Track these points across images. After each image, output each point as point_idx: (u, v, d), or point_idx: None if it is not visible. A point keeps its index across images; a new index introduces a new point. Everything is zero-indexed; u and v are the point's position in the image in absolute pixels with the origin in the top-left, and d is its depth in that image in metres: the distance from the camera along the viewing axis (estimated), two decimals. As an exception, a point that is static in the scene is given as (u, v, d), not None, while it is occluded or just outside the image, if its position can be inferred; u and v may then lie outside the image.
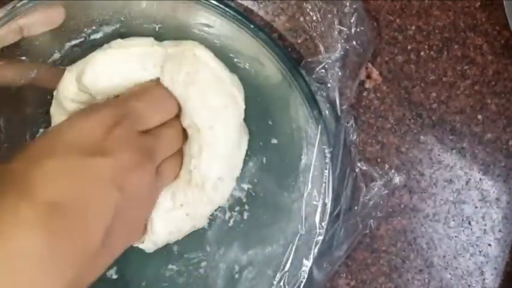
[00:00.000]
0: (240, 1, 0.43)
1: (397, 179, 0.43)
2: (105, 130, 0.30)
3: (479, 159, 0.44)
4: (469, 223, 0.44)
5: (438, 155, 0.44)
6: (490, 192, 0.44)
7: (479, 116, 0.44)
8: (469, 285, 0.44)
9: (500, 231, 0.44)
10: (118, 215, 0.29)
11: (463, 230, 0.44)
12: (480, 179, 0.44)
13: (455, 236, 0.44)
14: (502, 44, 0.44)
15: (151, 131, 0.34)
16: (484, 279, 0.44)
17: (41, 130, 0.41)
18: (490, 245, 0.44)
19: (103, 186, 0.29)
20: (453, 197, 0.44)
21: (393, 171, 0.43)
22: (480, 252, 0.44)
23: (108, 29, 0.39)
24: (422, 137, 0.44)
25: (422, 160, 0.44)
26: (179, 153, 0.38)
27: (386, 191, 0.42)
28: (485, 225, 0.44)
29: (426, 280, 0.44)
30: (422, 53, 0.44)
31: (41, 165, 0.28)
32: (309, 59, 0.41)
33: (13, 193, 0.27)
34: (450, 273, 0.44)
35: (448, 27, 0.44)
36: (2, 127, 0.38)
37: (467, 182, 0.44)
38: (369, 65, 0.44)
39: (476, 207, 0.44)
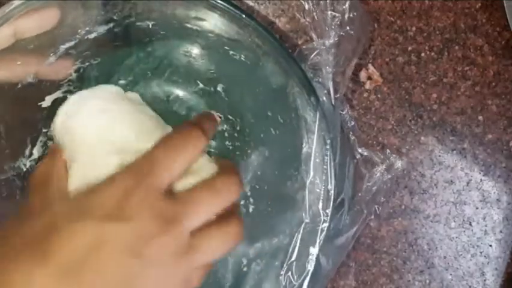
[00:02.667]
0: (243, 1, 0.43)
1: (399, 163, 0.43)
2: (125, 193, 0.28)
3: (479, 160, 0.44)
4: (470, 224, 0.44)
5: (439, 155, 0.44)
6: (491, 193, 0.44)
7: (480, 117, 0.44)
8: (469, 286, 0.44)
9: (501, 232, 0.44)
10: (136, 285, 0.28)
11: (464, 231, 0.44)
12: (481, 179, 0.44)
13: (456, 237, 0.44)
14: (502, 45, 0.44)
15: (181, 192, 0.31)
16: (484, 280, 0.44)
17: (41, 137, 0.40)
18: (490, 245, 0.44)
19: (118, 252, 0.28)
20: (454, 198, 0.44)
21: (394, 155, 0.43)
22: (481, 253, 0.44)
23: (101, 29, 0.39)
24: (422, 138, 0.44)
25: (423, 161, 0.44)
26: (228, 220, 0.32)
27: (389, 176, 0.42)
28: (485, 226, 0.44)
29: (427, 281, 0.44)
30: (422, 54, 0.44)
31: (58, 230, 0.28)
32: (304, 46, 0.41)
33: (29, 258, 0.27)
34: (451, 274, 0.44)
35: (449, 28, 0.44)
36: (3, 133, 0.38)
37: (467, 183, 0.44)
38: (370, 66, 0.44)
39: (476, 208, 0.44)
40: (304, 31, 0.43)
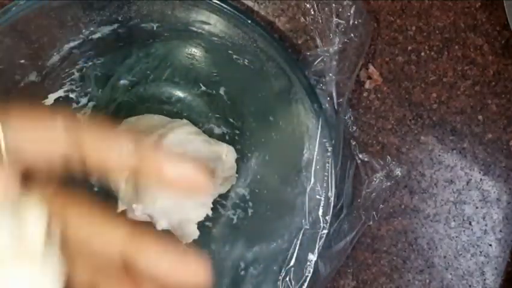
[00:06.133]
0: (242, 1, 0.43)
1: (398, 171, 0.43)
2: None
3: (479, 159, 0.44)
4: (470, 223, 0.44)
5: (439, 155, 0.44)
6: (491, 193, 0.44)
7: (480, 117, 0.44)
8: (469, 286, 0.44)
9: (500, 231, 0.44)
10: None
11: (464, 230, 0.44)
12: (481, 179, 0.44)
13: (456, 236, 0.44)
14: (502, 44, 0.44)
15: None
16: (484, 280, 0.44)
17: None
18: (490, 245, 0.44)
19: None
20: (454, 197, 0.44)
21: (394, 162, 0.43)
22: (481, 252, 0.44)
23: (106, 30, 0.39)
24: (422, 138, 0.44)
25: (423, 160, 0.44)
26: None
27: (388, 183, 0.43)
28: (485, 225, 0.44)
29: (427, 280, 0.44)
30: (422, 54, 0.44)
31: None
32: (307, 53, 0.42)
33: None
34: (451, 274, 0.44)
35: (448, 28, 0.44)
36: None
37: (467, 182, 0.44)
38: (370, 65, 0.44)
39: (476, 208, 0.44)
40: (304, 31, 0.43)
